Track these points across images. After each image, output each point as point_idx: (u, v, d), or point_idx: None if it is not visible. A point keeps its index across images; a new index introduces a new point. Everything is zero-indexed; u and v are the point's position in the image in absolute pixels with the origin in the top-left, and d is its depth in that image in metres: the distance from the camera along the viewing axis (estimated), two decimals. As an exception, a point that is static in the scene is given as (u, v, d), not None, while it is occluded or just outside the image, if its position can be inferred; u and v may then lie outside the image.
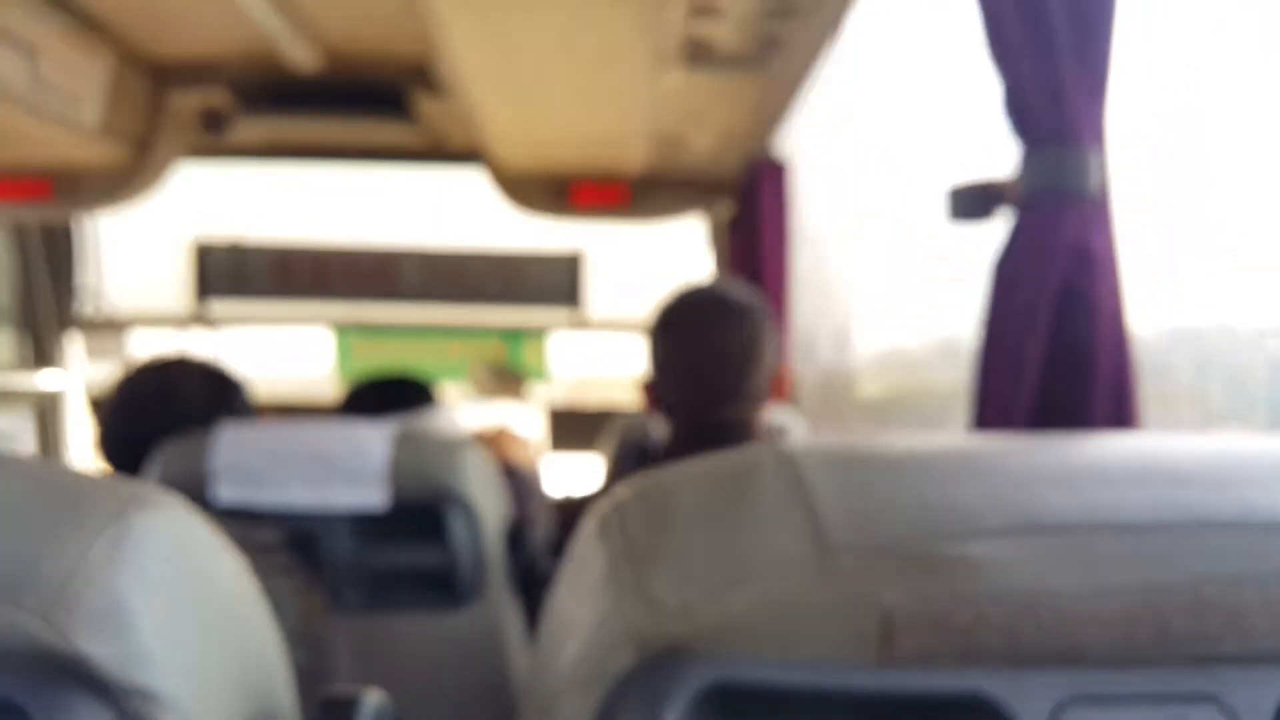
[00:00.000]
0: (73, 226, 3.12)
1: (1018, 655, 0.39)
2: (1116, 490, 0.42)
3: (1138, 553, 0.40)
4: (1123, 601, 0.39)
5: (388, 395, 2.15)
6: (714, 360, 1.32)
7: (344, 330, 3.36)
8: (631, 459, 2.07)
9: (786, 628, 0.40)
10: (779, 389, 1.40)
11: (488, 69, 1.72)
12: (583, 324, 3.11)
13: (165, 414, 1.45)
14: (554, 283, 3.09)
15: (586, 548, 0.47)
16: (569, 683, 0.44)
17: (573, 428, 3.17)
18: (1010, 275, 0.99)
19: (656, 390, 1.37)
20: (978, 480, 0.42)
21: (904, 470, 0.43)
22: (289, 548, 0.76)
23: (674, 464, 0.49)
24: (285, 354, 3.63)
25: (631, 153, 2.36)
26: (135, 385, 1.51)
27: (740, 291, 1.38)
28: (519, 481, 1.82)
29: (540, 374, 3.33)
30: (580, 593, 0.46)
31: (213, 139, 2.35)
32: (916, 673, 0.39)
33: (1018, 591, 0.39)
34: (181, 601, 0.40)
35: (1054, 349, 0.96)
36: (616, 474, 2.07)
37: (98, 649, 0.35)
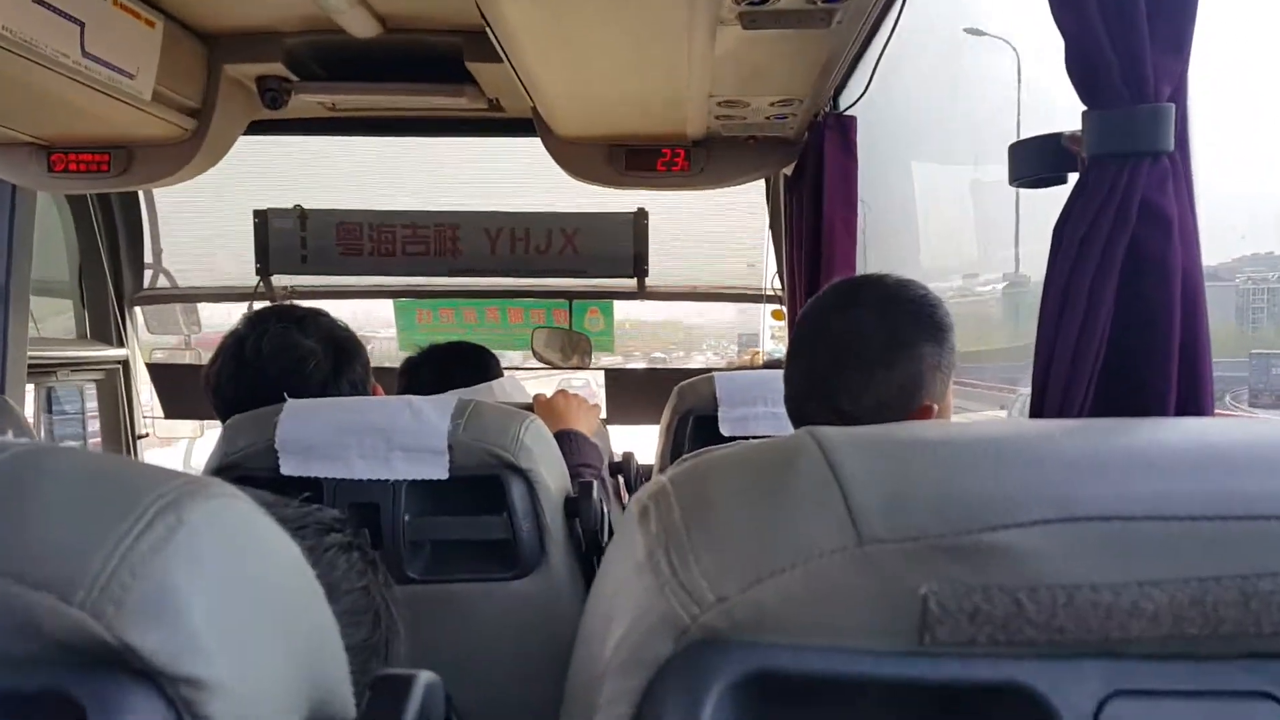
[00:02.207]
0: (134, 200, 3.21)
1: (1059, 646, 0.39)
2: (1165, 479, 0.42)
3: (1185, 544, 0.40)
4: (1169, 593, 0.39)
5: (449, 364, 2.19)
6: (832, 350, 1.18)
7: (405, 300, 3.42)
8: (693, 428, 2.08)
9: (823, 616, 0.41)
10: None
11: (539, 34, 1.71)
12: (648, 291, 3.14)
13: (286, 374, 1.50)
14: (618, 247, 3.11)
15: (628, 533, 0.48)
16: (612, 666, 0.46)
17: (635, 395, 3.19)
18: (1076, 236, 0.96)
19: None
20: (1016, 468, 0.42)
21: (941, 457, 0.43)
22: (350, 523, 0.77)
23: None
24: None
25: (691, 116, 2.34)
26: (256, 338, 1.54)
27: (905, 282, 1.22)
28: (581, 448, 1.84)
29: (605, 343, 3.36)
30: (622, 577, 0.47)
31: (272, 110, 2.38)
32: (954, 662, 0.40)
33: (1057, 582, 0.39)
34: (234, 591, 0.42)
35: (1123, 313, 0.94)
36: (675, 444, 2.09)
37: (146, 640, 0.36)
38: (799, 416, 1.25)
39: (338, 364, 1.58)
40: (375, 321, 3.82)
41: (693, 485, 0.47)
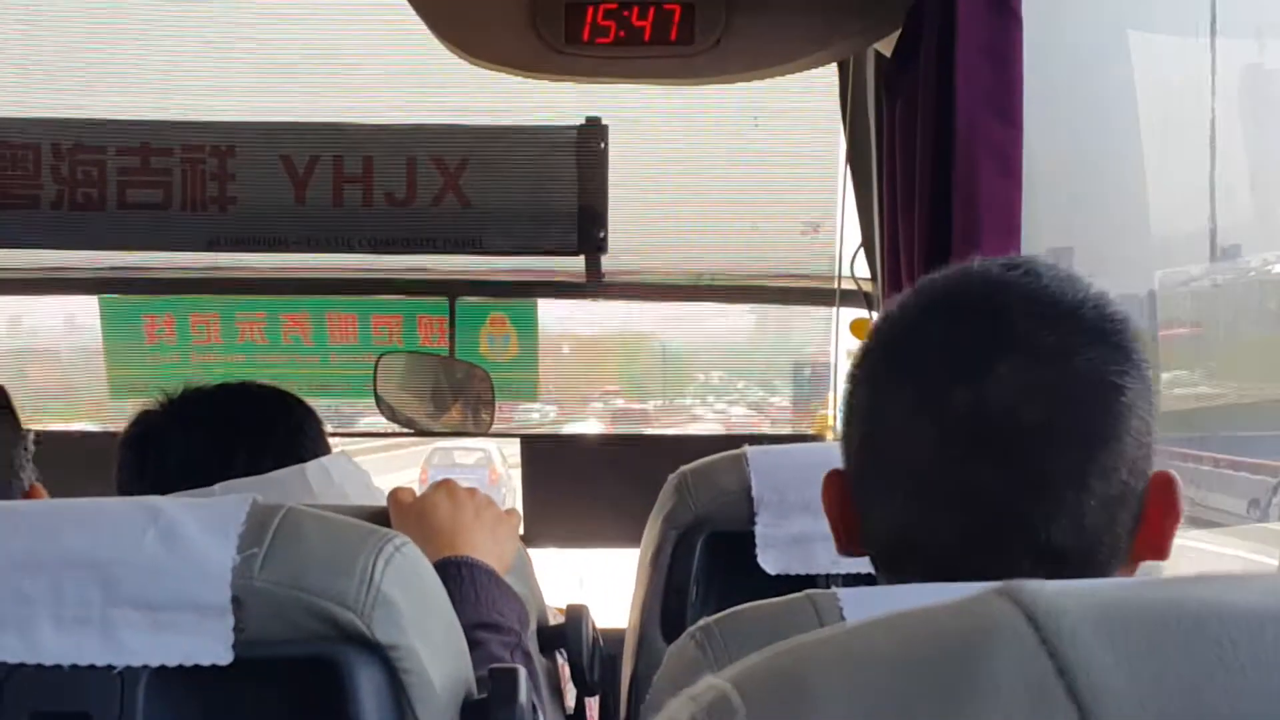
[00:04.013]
0: None
1: None
2: None
3: None
4: None
5: (221, 427, 2.17)
6: (979, 452, 1.19)
7: (121, 297, 3.42)
8: (705, 555, 2.09)
9: None
10: (1155, 528, 1.21)
11: None
12: (607, 281, 3.14)
13: None
14: (548, 193, 3.14)
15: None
16: None
17: (583, 490, 3.18)
18: None
19: (852, 507, 1.33)
20: None
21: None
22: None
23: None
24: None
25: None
26: None
27: (1065, 283, 1.23)
28: (483, 592, 1.84)
29: (522, 385, 3.36)
30: None
31: None
32: None
33: None
34: None
35: None
36: (672, 589, 2.10)
37: None
38: (897, 567, 1.28)
39: None
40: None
41: (785, 699, 0.48)
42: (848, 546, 1.37)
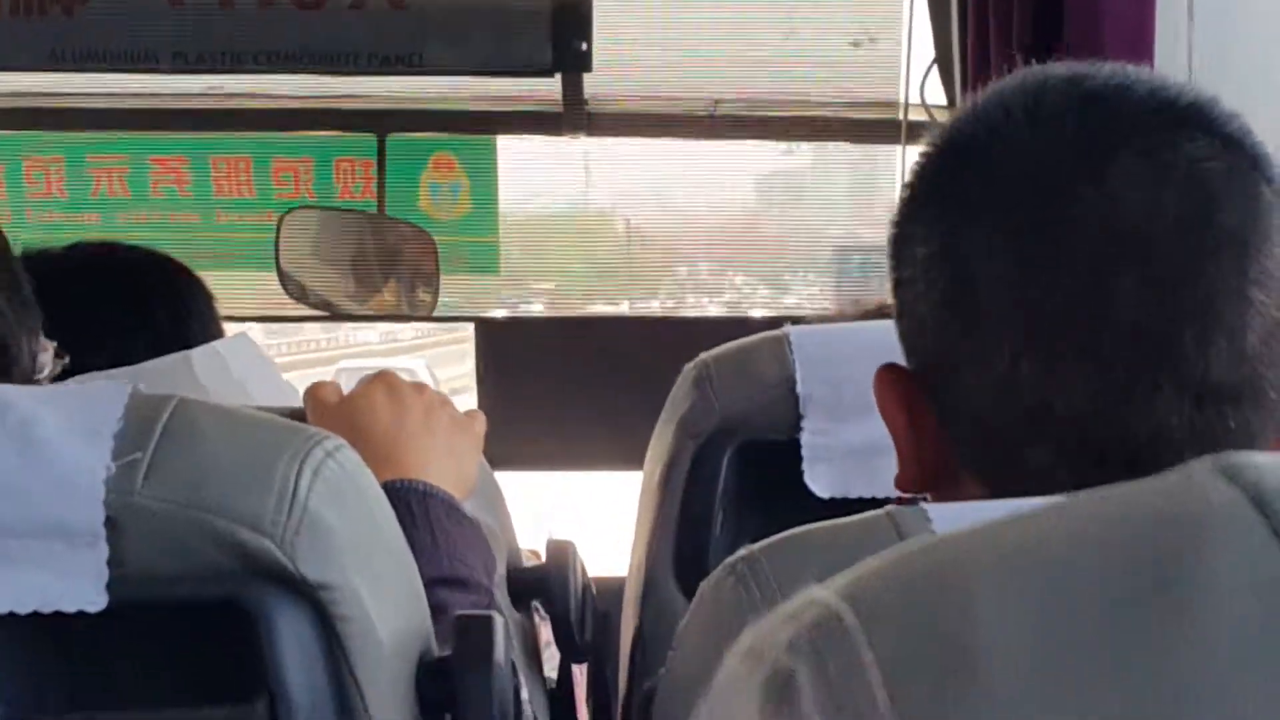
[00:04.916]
0: None
1: None
2: None
3: None
4: None
5: (71, 309, 2.17)
6: (1115, 268, 1.21)
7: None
8: (734, 471, 2.09)
9: None
10: None
11: None
12: (593, 110, 3.14)
13: None
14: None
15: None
16: None
17: (565, 389, 3.17)
18: None
19: (925, 409, 1.33)
20: None
21: None
22: None
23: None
24: None
25: None
26: None
27: (1158, 80, 1.26)
28: (438, 526, 1.84)
29: (481, 256, 3.37)
30: None
31: None
32: None
33: None
34: None
35: None
36: (691, 518, 2.10)
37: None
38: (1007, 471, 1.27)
39: None
40: None
41: (924, 613, 0.48)
42: (925, 471, 1.35)
